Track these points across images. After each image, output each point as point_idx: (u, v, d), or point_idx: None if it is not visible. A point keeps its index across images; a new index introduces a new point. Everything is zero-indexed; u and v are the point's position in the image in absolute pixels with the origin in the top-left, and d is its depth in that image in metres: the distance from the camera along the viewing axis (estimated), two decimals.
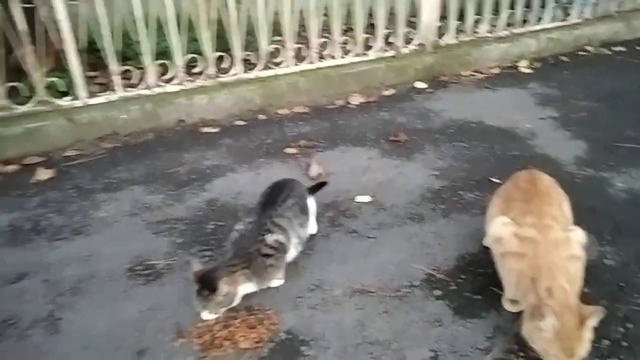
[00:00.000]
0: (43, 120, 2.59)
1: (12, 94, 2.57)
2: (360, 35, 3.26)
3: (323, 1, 3.11)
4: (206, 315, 1.49)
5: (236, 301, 1.54)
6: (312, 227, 1.85)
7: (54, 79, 2.65)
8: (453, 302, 1.62)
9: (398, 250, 1.85)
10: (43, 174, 2.38)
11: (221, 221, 2.05)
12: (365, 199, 2.16)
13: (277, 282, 1.66)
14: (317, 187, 2.00)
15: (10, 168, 2.45)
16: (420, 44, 3.43)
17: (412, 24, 3.40)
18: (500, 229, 1.51)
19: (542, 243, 1.43)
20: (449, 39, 3.51)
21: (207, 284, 1.45)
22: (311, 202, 1.84)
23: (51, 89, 2.65)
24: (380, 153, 2.55)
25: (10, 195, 2.24)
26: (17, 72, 2.58)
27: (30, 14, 2.50)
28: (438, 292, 1.65)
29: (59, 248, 1.91)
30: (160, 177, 2.38)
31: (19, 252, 1.89)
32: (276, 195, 1.71)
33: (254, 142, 2.70)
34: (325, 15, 3.14)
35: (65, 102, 2.67)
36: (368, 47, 3.32)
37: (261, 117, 2.98)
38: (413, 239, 1.91)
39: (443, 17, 3.45)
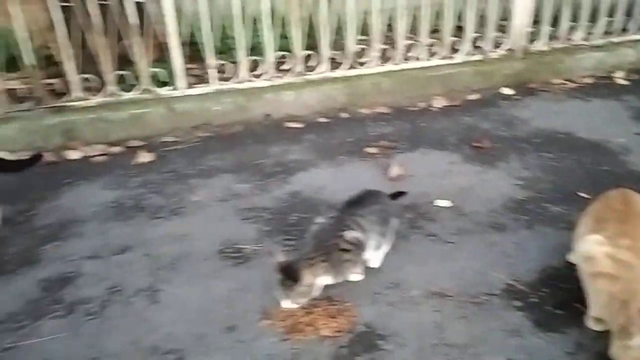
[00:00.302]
0: (145, 107, 2.82)
1: (119, 81, 2.82)
2: (448, 37, 3.25)
3: (412, 2, 3.13)
4: (287, 304, 1.58)
5: (315, 292, 1.62)
6: (378, 256, 1.82)
7: (157, 69, 2.87)
8: (533, 314, 1.61)
9: (478, 257, 1.85)
10: (144, 157, 2.60)
11: (304, 213, 2.14)
12: (445, 203, 2.17)
13: (355, 276, 1.73)
14: (397, 195, 2.02)
15: (115, 149, 2.69)
16: (509, 49, 3.35)
17: (501, 28, 3.34)
18: (592, 248, 1.48)
19: (639, 267, 1.40)
20: (541, 45, 3.41)
21: (290, 275, 1.54)
22: (394, 225, 1.84)
23: (153, 78, 2.88)
24: (462, 158, 2.55)
25: (115, 174, 2.47)
26: (123, 61, 2.82)
27: (139, 9, 2.72)
28: (518, 303, 1.65)
29: (158, 226, 2.08)
30: (248, 167, 2.52)
31: (123, 226, 2.09)
32: (364, 198, 1.77)
33: (336, 140, 2.78)
34: (413, 16, 3.16)
35: (165, 91, 2.89)
36: (455, 50, 3.29)
37: (343, 115, 3.05)
38: (494, 248, 1.90)
39: (535, 22, 3.36)
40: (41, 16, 2.75)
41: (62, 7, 2.59)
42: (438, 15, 3.23)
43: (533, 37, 3.38)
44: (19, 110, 2.68)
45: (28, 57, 2.62)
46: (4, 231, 2.04)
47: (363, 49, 3.16)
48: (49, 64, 2.78)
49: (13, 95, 2.72)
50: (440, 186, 2.31)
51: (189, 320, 1.61)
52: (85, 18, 2.64)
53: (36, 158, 2.14)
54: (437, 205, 2.16)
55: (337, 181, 2.38)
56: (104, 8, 2.65)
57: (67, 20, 2.63)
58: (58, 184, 2.37)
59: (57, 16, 2.59)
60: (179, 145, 2.74)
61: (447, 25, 3.22)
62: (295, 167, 2.51)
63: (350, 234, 1.64)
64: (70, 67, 2.69)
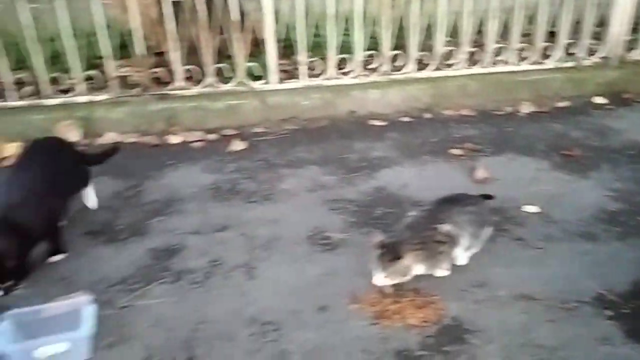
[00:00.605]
0: (240, 99, 2.99)
1: (217, 74, 3.01)
2: (540, 42, 3.19)
3: (505, 4, 3.10)
4: (381, 279, 1.64)
5: (408, 277, 1.68)
6: (466, 255, 1.85)
7: (252, 64, 3.04)
8: (625, 325, 1.59)
9: (567, 265, 1.84)
10: (237, 145, 2.77)
11: (388, 208, 2.21)
12: (533, 209, 2.16)
13: (443, 272, 1.78)
14: (485, 198, 2.01)
15: (211, 137, 2.88)
16: (604, 57, 3.25)
17: (596, 35, 3.23)
18: None
19: None
20: (638, 54, 3.27)
21: (391, 251, 1.61)
22: (487, 232, 1.87)
23: (248, 72, 3.05)
24: (550, 165, 2.51)
25: (212, 159, 2.65)
26: (221, 55, 3.00)
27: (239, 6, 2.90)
28: (609, 313, 1.63)
29: (252, 209, 2.23)
30: (333, 160, 2.62)
31: (221, 207, 2.25)
32: (461, 198, 1.82)
33: (419, 139, 2.82)
34: (505, 19, 3.13)
35: (259, 85, 3.05)
36: (546, 56, 3.23)
37: (427, 115, 3.09)
38: (584, 257, 1.88)
39: (634, 30, 3.23)
40: (152, 10, 3.00)
41: (173, 2, 2.81)
42: (531, 20, 3.19)
43: (630, 45, 3.25)
44: (128, 96, 2.94)
45: (139, 47, 2.87)
46: (115, 203, 2.27)
47: (451, 51, 3.18)
48: (151, 54, 3.02)
49: (124, 82, 2.98)
50: (527, 192, 2.29)
51: (284, 297, 1.73)
52: (192, 13, 2.84)
53: (114, 150, 2.30)
54: (524, 211, 2.16)
55: (421, 180, 2.43)
56: (209, 4, 2.85)
57: (176, 15, 2.85)
58: (161, 165, 2.59)
59: (169, 10, 2.81)
60: (269, 136, 2.89)
61: (540, 29, 3.16)
62: (379, 164, 2.59)
63: (445, 227, 1.69)
64: (175, 57, 2.91)
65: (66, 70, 2.87)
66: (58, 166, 2.00)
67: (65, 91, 2.90)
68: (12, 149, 2.66)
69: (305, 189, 2.38)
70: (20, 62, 2.86)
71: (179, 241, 2.01)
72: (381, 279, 1.65)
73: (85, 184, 2.16)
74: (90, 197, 2.20)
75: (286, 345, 1.55)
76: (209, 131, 2.90)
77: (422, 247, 1.66)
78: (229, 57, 3.01)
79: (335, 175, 2.49)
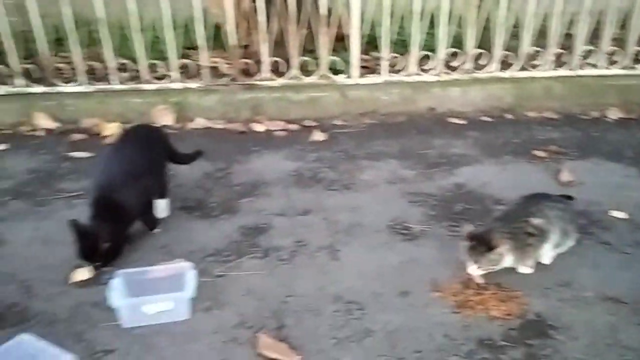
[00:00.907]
0: (322, 91, 3.09)
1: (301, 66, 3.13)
2: (632, 47, 3.07)
3: (597, 6, 3.01)
4: (475, 269, 1.68)
5: (499, 266, 1.69)
6: (552, 254, 1.84)
7: (335, 58, 3.13)
8: None
9: None
10: (318, 136, 2.87)
11: (469, 204, 2.23)
12: (621, 215, 2.11)
13: (526, 269, 1.78)
14: (566, 198, 1.99)
15: (293, 127, 2.99)
16: None
17: None
18: None
19: None
20: None
21: (485, 241, 1.64)
22: (573, 238, 1.86)
23: (331, 66, 3.14)
24: (639, 173, 2.43)
25: (294, 148, 2.76)
26: (304, 48, 3.11)
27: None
28: None
29: (333, 197, 2.31)
30: (412, 155, 2.66)
31: (303, 193, 2.35)
32: (549, 196, 1.82)
33: (501, 139, 2.80)
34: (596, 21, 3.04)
35: (340, 79, 3.14)
36: (638, 61, 3.11)
37: (508, 116, 3.06)
38: None
39: None
40: (245, 3, 3.15)
41: None
42: (624, 23, 3.07)
43: None
44: (218, 85, 3.12)
45: (232, 39, 3.04)
46: (207, 183, 2.42)
47: (537, 52, 3.12)
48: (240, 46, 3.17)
49: (214, 71, 3.16)
50: (614, 197, 2.23)
51: (366, 280, 1.80)
52: (282, 7, 2.97)
53: (199, 154, 2.34)
54: (611, 216, 2.11)
55: (503, 179, 2.42)
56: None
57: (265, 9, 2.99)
58: (247, 150, 2.73)
59: (261, 4, 2.95)
60: (348, 128, 2.97)
61: (633, 33, 3.04)
62: (458, 161, 2.60)
63: (536, 220, 1.70)
64: (264, 50, 3.05)
65: (163, 58, 3.08)
66: (155, 153, 2.09)
67: (161, 78, 3.11)
68: (112, 129, 2.90)
69: (385, 180, 2.44)
70: (122, 49, 3.10)
71: (266, 221, 2.13)
72: (475, 269, 1.67)
73: (164, 188, 2.12)
74: (162, 207, 2.11)
75: (369, 324, 1.61)
76: (291, 121, 3.02)
77: (512, 238, 1.67)
78: (311, 51, 3.12)
79: (414, 169, 2.53)
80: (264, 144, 2.81)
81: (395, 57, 3.13)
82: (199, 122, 3.02)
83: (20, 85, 3.03)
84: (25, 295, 1.73)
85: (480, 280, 1.72)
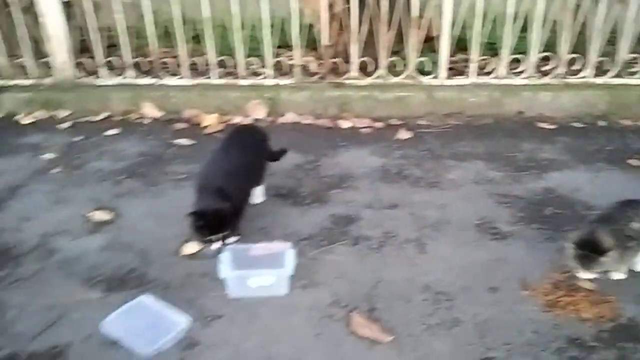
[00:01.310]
0: (408, 91, 3.16)
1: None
2: None
3: None
4: (586, 274, 1.70)
5: (603, 269, 1.70)
6: None
7: (423, 58, 3.18)
8: None
9: None
10: (403, 134, 2.94)
11: (559, 209, 2.21)
12: None
13: (620, 274, 1.76)
14: None
15: (378, 124, 3.09)
16: None
17: None
18: None
19: None
20: None
21: (596, 246, 1.65)
22: None
23: (419, 67, 3.20)
24: None
25: (379, 145, 2.85)
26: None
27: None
28: None
29: (419, 193, 2.38)
30: (499, 158, 2.66)
31: (390, 188, 2.43)
32: None
33: (593, 146, 2.74)
34: None
35: (427, 79, 3.19)
36: None
37: (601, 123, 2.98)
38: None
39: None
40: (338, 4, 3.27)
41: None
42: None
43: None
44: (309, 82, 3.27)
45: (324, 39, 3.17)
46: (298, 174, 2.57)
47: (634, 58, 3.01)
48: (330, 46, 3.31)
49: (305, 69, 3.32)
50: None
51: (454, 274, 1.85)
52: (375, 9, 3.07)
53: (285, 152, 2.43)
54: None
55: (595, 186, 2.38)
56: (392, 1, 3.04)
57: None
58: (335, 145, 2.85)
59: (354, 6, 3.06)
60: (433, 128, 3.01)
61: None
62: (548, 165, 2.58)
63: (636, 224, 1.69)
64: (354, 50, 3.17)
65: (257, 56, 3.28)
66: (257, 154, 2.23)
67: (256, 74, 3.31)
68: (211, 120, 3.13)
69: (471, 181, 2.47)
70: (222, 46, 3.33)
71: (354, 212, 2.24)
72: (587, 274, 1.70)
73: (261, 179, 2.26)
74: (258, 193, 2.26)
75: (458, 314, 1.67)
76: (377, 119, 3.11)
77: (615, 240, 1.67)
78: (396, 52, 3.19)
79: (502, 171, 2.54)
80: (351, 139, 2.92)
81: (484, 59, 3.14)
82: (289, 117, 3.18)
83: (130, 77, 3.34)
84: (142, 262, 1.95)
85: (590, 285, 1.73)
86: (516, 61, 3.11)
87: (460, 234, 2.08)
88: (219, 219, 1.84)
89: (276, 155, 2.41)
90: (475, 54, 3.09)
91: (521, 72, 3.11)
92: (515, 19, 3.00)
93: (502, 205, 2.26)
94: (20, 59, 3.37)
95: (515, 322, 1.63)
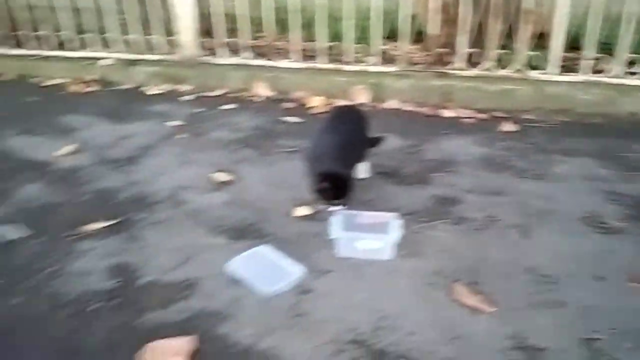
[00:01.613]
0: (515, 85, 3.14)
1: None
2: None
3: None
4: None
5: None
6: None
7: (535, 53, 3.14)
8: None
9: None
10: (508, 127, 2.94)
11: None
12: None
13: None
14: None
15: (482, 116, 3.10)
16: None
17: None
18: None
19: None
20: None
21: None
22: None
23: (528, 61, 3.17)
24: None
25: (482, 135, 2.87)
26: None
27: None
28: None
29: (524, 183, 2.38)
30: (609, 156, 2.59)
31: (493, 176, 2.46)
32: None
33: None
34: None
35: (535, 74, 3.15)
36: None
37: None
38: None
39: None
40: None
41: None
42: None
43: None
44: (412, 70, 3.35)
45: (431, 29, 3.24)
46: (400, 156, 2.66)
47: None
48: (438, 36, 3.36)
49: (409, 58, 3.40)
50: None
51: (559, 260, 1.87)
52: (487, 1, 3.08)
53: (382, 139, 2.46)
54: None
55: None
56: None
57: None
58: (436, 132, 2.92)
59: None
60: (540, 123, 2.98)
61: None
62: None
63: None
64: (461, 41, 3.20)
65: (367, 43, 3.40)
66: (360, 130, 2.33)
67: (361, 61, 3.44)
68: (318, 101, 3.31)
69: (579, 176, 2.44)
70: (330, 33, 3.49)
71: (456, 195, 2.30)
72: None
73: (364, 157, 2.36)
74: (363, 169, 2.37)
75: (563, 297, 1.70)
76: (480, 110, 3.13)
77: None
78: (503, 46, 3.18)
79: (611, 169, 2.48)
80: (452, 128, 2.96)
81: (598, 58, 3.05)
82: (391, 103, 3.28)
83: (247, 58, 3.60)
84: (260, 219, 2.15)
85: None
86: (631, 63, 2.99)
87: (566, 225, 2.08)
88: (343, 182, 1.98)
89: (373, 142, 2.48)
90: (590, 51, 3.01)
91: (635, 72, 2.99)
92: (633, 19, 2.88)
93: (610, 202, 2.22)
94: (151, 36, 3.75)
95: (622, 310, 1.63)
